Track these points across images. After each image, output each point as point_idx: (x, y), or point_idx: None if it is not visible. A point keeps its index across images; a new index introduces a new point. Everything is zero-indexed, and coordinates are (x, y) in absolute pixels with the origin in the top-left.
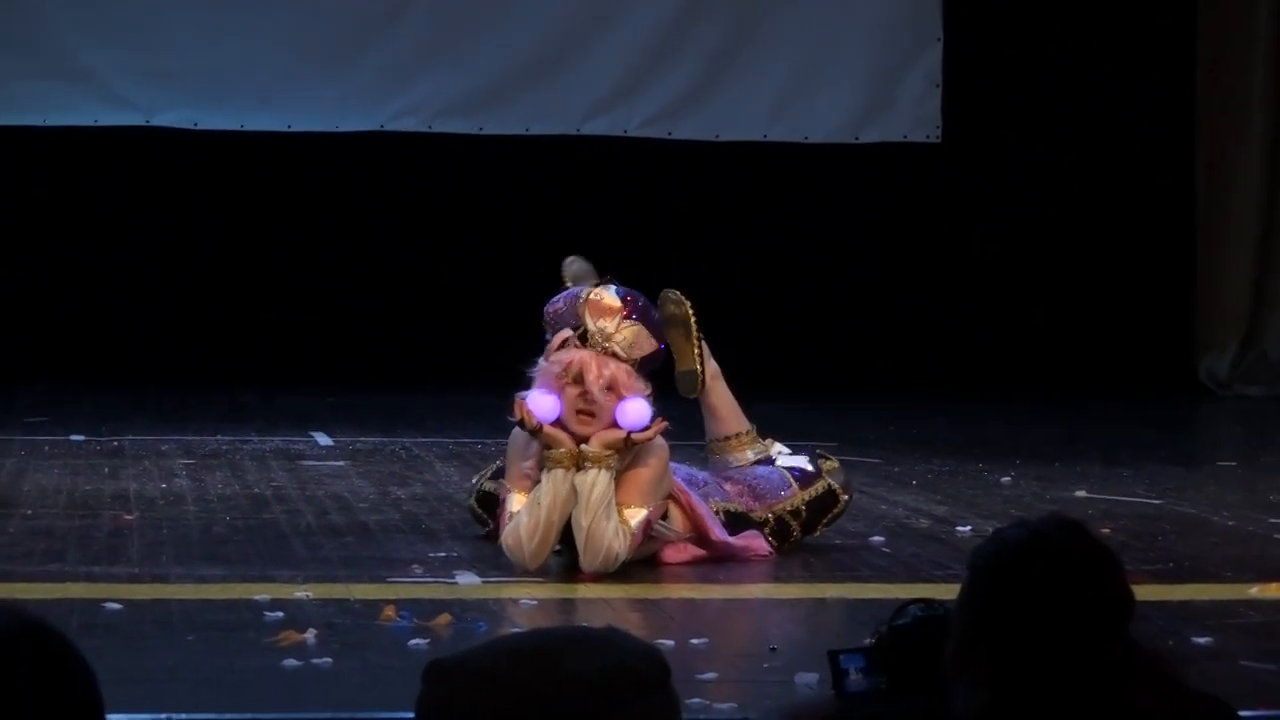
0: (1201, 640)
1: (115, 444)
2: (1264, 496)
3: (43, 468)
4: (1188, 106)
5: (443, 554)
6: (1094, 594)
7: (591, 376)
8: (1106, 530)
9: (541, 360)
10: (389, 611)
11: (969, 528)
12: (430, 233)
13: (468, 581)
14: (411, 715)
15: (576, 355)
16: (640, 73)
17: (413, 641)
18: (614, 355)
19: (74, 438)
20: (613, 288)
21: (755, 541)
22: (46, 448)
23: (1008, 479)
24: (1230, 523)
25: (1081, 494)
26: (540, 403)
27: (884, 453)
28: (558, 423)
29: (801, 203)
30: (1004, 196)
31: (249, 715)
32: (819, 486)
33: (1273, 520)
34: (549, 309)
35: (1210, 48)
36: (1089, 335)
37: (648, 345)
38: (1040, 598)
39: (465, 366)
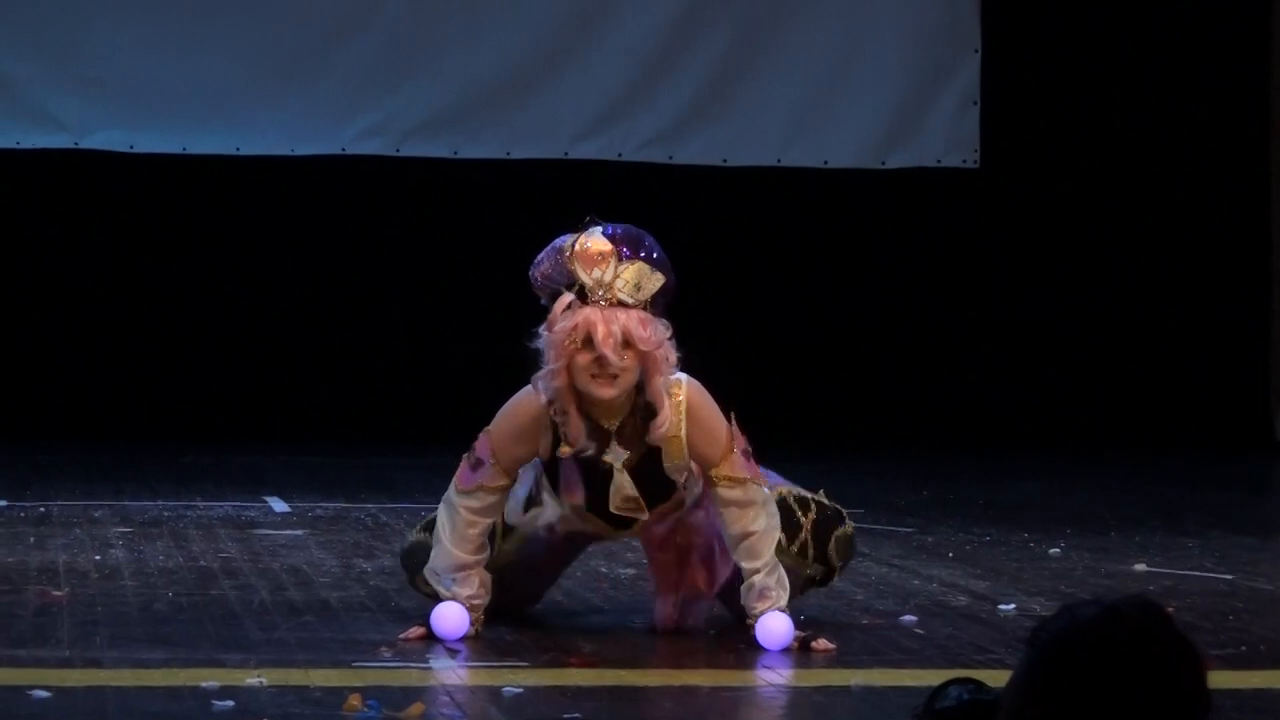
0: None
1: (42, 510)
2: None
3: None
4: (1262, 130)
5: (414, 634)
6: (1170, 690)
7: (600, 336)
8: (1170, 609)
9: (544, 330)
10: (354, 701)
11: (1013, 606)
12: (398, 270)
13: (443, 666)
14: None
15: (580, 316)
16: (637, 89)
17: None
18: (620, 304)
19: None
20: (597, 230)
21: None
22: None
23: (1057, 550)
24: None
25: (1141, 568)
26: (445, 619)
27: (917, 520)
28: (575, 392)
29: (820, 238)
30: (1050, 229)
31: None
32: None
33: None
34: (535, 272)
35: None
36: (1149, 387)
37: (655, 280)
38: (1111, 688)
39: (438, 420)
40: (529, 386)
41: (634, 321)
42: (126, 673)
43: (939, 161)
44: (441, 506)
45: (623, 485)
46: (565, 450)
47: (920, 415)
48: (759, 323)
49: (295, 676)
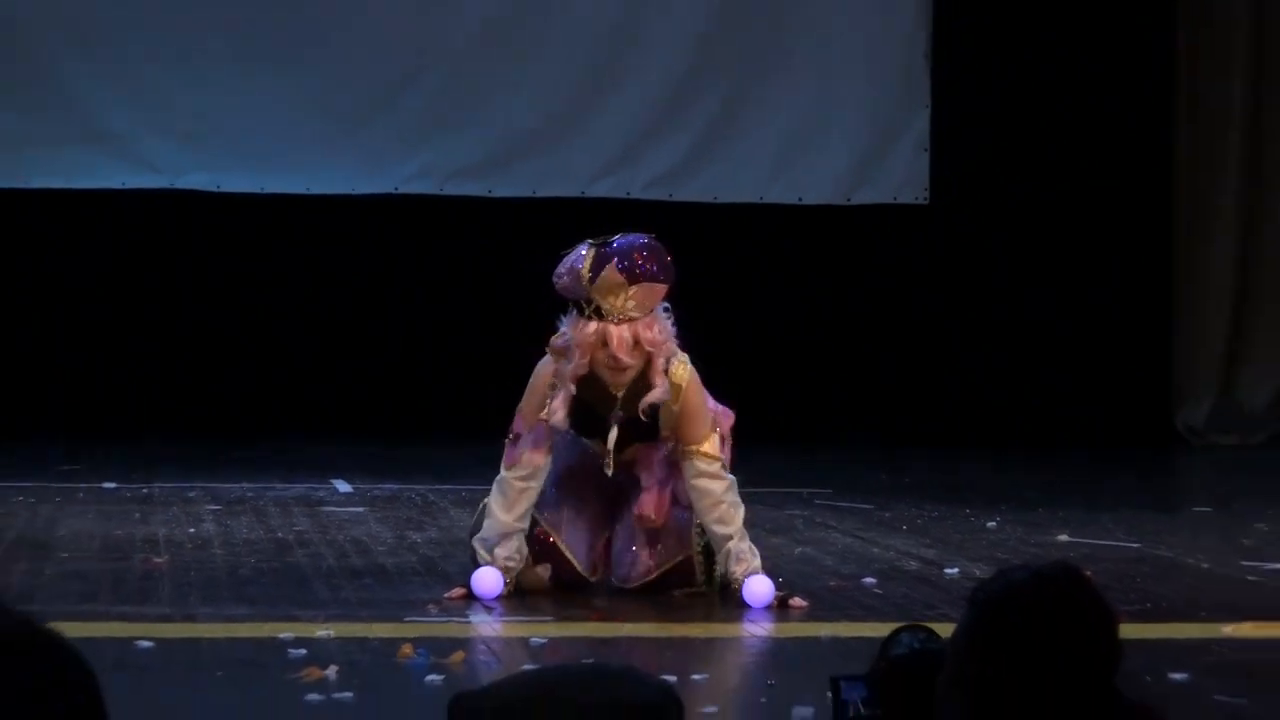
0: (1178, 677)
1: (145, 491)
2: (1237, 541)
3: (77, 513)
4: (1165, 164)
5: (456, 594)
6: (1088, 642)
7: (615, 345)
8: (1088, 573)
9: (568, 329)
10: (406, 649)
11: (956, 570)
12: (441, 289)
13: (481, 621)
14: None
15: (600, 328)
16: (644, 137)
17: (429, 678)
18: (630, 318)
19: (106, 485)
20: (614, 260)
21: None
22: (80, 494)
23: (993, 524)
24: (1205, 565)
25: (1064, 538)
26: (482, 581)
27: (876, 499)
28: (592, 375)
29: (796, 263)
30: (989, 254)
31: None
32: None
33: (1245, 563)
34: (556, 282)
35: (1188, 110)
36: (1071, 387)
37: (657, 294)
38: (1037, 639)
39: (476, 418)
40: (546, 357)
41: (641, 327)
42: (217, 626)
43: (895, 199)
44: (494, 487)
45: (607, 440)
46: (544, 414)
47: (880, 412)
48: (746, 333)
49: (357, 629)
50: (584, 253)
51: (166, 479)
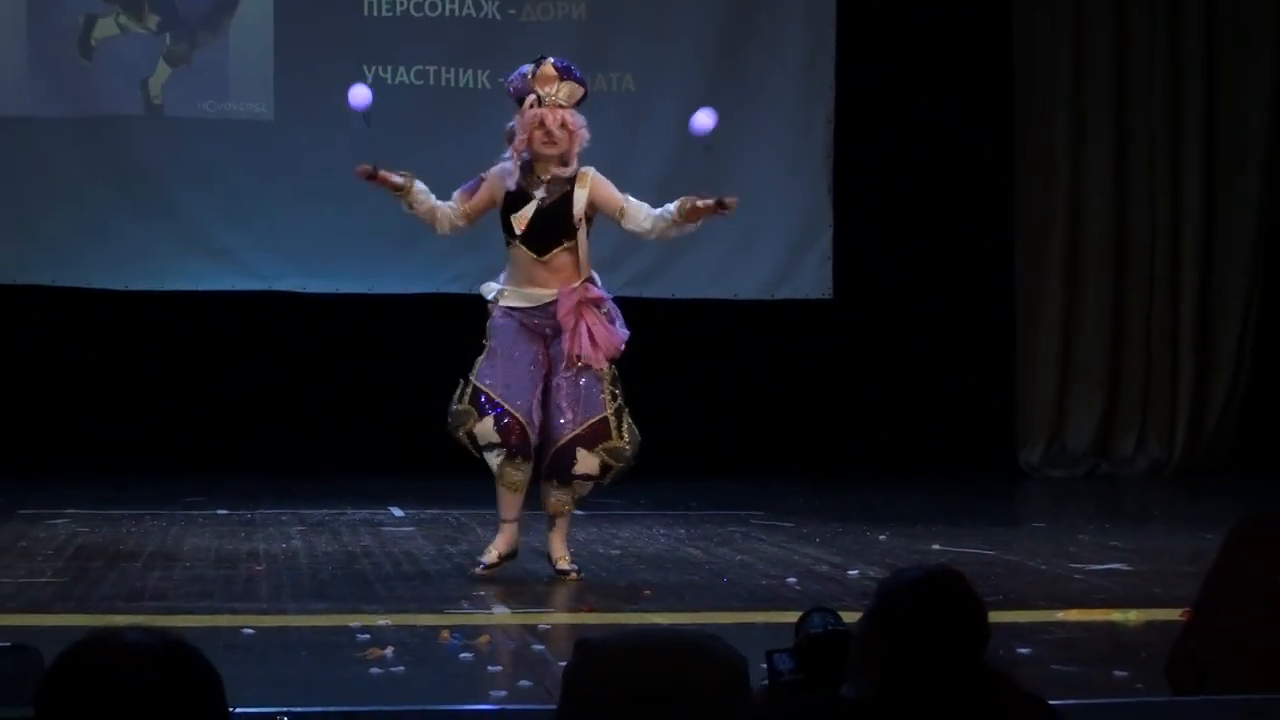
0: (1024, 650)
1: (248, 516)
2: (1065, 548)
3: (197, 533)
4: (1007, 263)
5: (482, 593)
6: (964, 625)
7: (550, 122)
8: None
9: (516, 118)
10: (445, 634)
11: (856, 571)
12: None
13: (500, 613)
14: (460, 707)
15: (539, 110)
16: (621, 249)
17: (461, 655)
18: (560, 105)
19: (219, 511)
20: (550, 60)
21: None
22: (200, 519)
23: (883, 537)
24: (1042, 567)
25: (936, 547)
26: (357, 93)
27: (796, 518)
28: (525, 164)
29: (732, 340)
30: (876, 336)
31: (345, 708)
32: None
33: (1072, 565)
34: (509, 88)
35: (1025, 216)
36: (941, 433)
37: (577, 94)
38: (928, 622)
39: None
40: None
41: (567, 114)
42: (302, 617)
43: (807, 295)
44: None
45: (526, 212)
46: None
47: (799, 452)
48: (697, 392)
49: (408, 619)
50: (519, 72)
51: (265, 506)
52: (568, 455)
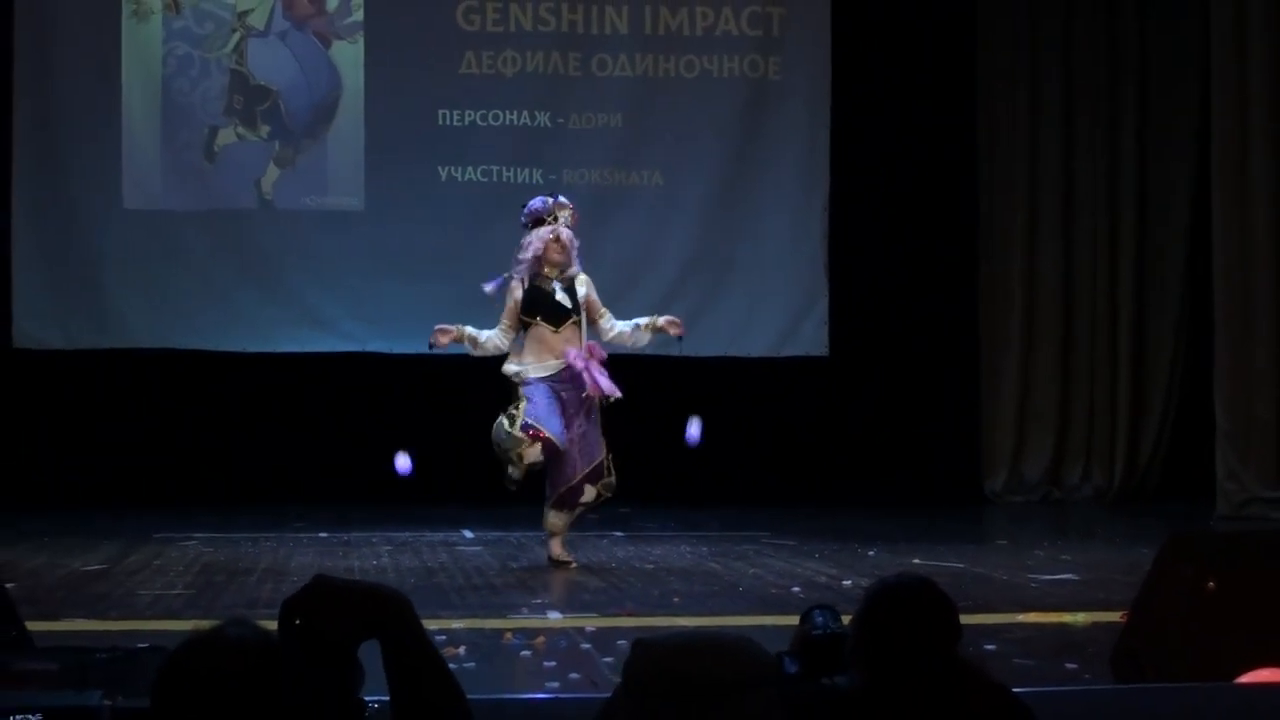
0: (990, 647)
1: (345, 538)
2: (1023, 561)
3: (303, 552)
4: (973, 326)
5: (539, 601)
6: (938, 623)
7: (564, 236)
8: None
9: (535, 230)
10: (508, 635)
11: (849, 581)
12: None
13: (554, 617)
14: (520, 696)
15: (551, 226)
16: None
17: (522, 653)
18: (566, 226)
19: (320, 534)
20: (562, 197)
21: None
22: (305, 540)
23: (872, 553)
24: (1004, 577)
25: (916, 561)
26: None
27: (799, 537)
28: (544, 255)
29: (745, 392)
30: (866, 387)
31: None
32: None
33: (1030, 575)
34: (529, 213)
35: (988, 288)
36: (918, 468)
37: (575, 219)
38: (907, 621)
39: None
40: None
41: (569, 233)
42: None
43: (808, 353)
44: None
45: (558, 294)
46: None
47: (801, 484)
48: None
49: (477, 623)
50: (539, 200)
51: (359, 529)
52: (578, 491)
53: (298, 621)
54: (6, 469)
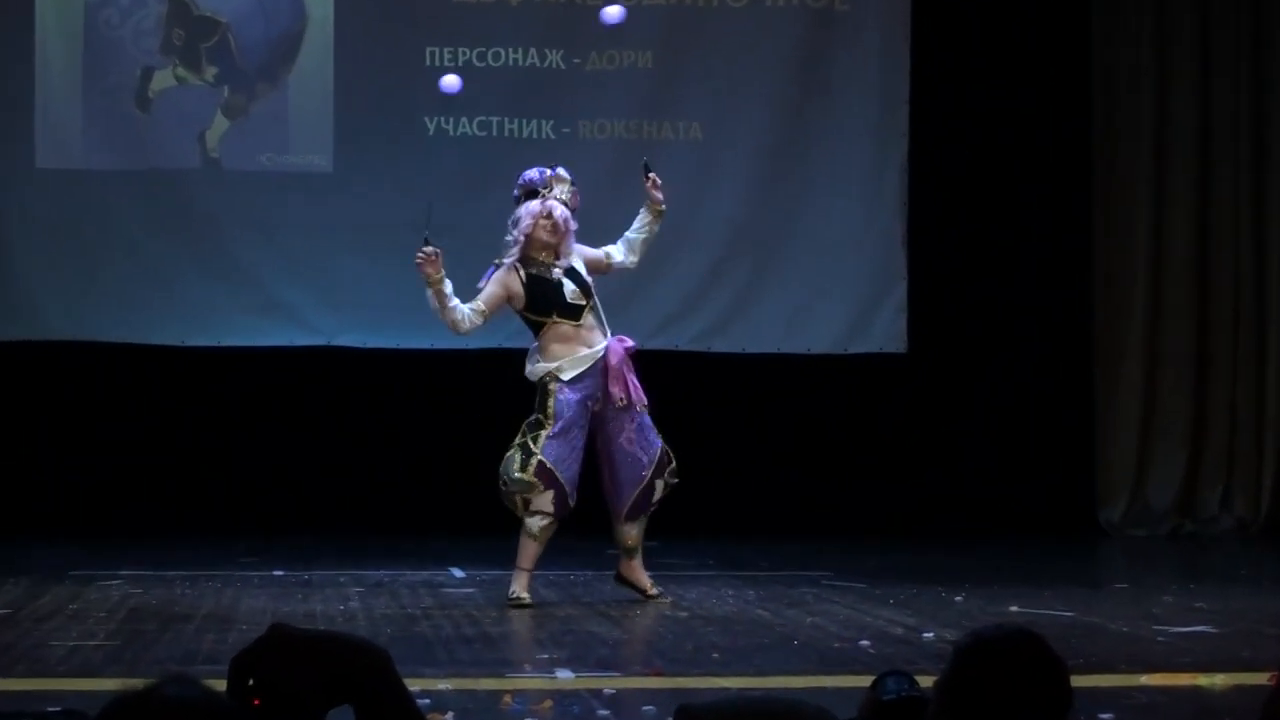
0: (1105, 716)
1: (305, 577)
2: (1147, 610)
3: (253, 594)
4: (1086, 318)
5: (545, 656)
6: (1047, 688)
7: (557, 214)
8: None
9: (525, 205)
10: (507, 699)
11: (931, 634)
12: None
13: (564, 676)
14: None
15: (544, 204)
16: (690, 303)
17: None
18: (560, 200)
19: (275, 572)
20: (561, 169)
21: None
22: (256, 579)
23: (960, 598)
24: (1124, 629)
25: (1015, 608)
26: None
27: (869, 579)
28: (533, 234)
29: (805, 396)
30: (953, 391)
31: None
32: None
33: (1155, 627)
34: (522, 184)
35: (1105, 271)
36: (1021, 494)
37: (575, 198)
38: (1008, 685)
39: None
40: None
41: (567, 209)
42: None
43: (881, 349)
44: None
45: (566, 284)
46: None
47: (873, 511)
48: (768, 449)
49: (468, 683)
50: (535, 170)
51: (322, 568)
52: (650, 490)
53: (251, 681)
54: None
